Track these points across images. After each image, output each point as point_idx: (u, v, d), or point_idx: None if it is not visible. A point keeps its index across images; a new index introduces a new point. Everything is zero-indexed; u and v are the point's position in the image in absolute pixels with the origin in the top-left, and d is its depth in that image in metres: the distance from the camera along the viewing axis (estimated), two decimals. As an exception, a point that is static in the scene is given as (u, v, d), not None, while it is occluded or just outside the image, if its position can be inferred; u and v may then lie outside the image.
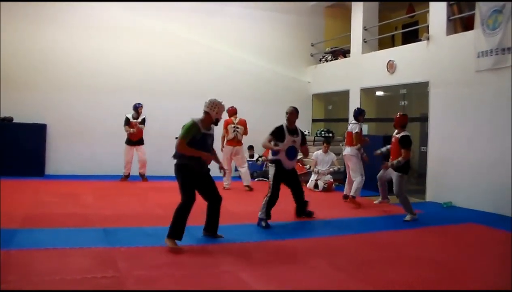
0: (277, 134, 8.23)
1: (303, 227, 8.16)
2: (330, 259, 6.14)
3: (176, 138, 6.62)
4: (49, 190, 10.86)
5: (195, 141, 6.51)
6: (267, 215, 8.01)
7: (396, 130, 9.33)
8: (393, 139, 9.37)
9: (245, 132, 12.10)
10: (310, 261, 6.07)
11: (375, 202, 10.57)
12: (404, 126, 9.21)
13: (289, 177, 8.57)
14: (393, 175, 8.96)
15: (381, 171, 9.69)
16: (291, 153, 8.30)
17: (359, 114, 10.70)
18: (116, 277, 5.06)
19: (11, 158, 12.53)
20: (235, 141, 11.96)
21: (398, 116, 9.36)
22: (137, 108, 12.70)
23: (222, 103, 6.80)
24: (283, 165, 8.30)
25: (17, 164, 12.57)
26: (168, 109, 14.15)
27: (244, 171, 12.24)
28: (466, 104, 10.42)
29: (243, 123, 12.08)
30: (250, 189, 12.06)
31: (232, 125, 11.95)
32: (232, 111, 12.13)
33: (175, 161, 6.69)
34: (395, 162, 8.80)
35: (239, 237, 7.06)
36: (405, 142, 8.85)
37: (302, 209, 8.87)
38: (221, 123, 7.70)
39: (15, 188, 10.81)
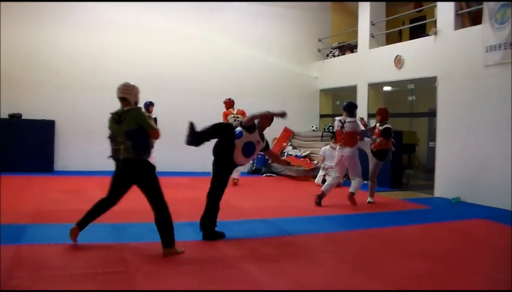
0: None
1: (311, 223, 8.16)
2: (337, 254, 6.15)
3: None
4: (58, 186, 10.92)
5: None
6: None
7: (378, 123, 10.07)
8: (376, 130, 10.07)
9: None
10: (317, 256, 6.09)
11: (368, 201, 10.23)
12: (386, 119, 10.05)
13: None
14: (372, 161, 10.06)
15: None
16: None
17: (355, 108, 9.82)
18: (125, 272, 5.09)
19: (20, 154, 12.65)
20: None
21: (382, 109, 10.15)
22: (148, 106, 12.02)
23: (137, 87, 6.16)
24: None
25: (26, 160, 12.68)
26: (175, 106, 14.20)
27: None
28: (474, 99, 10.38)
29: (242, 113, 12.02)
30: (235, 183, 11.73)
31: (232, 116, 11.98)
32: (229, 104, 12.22)
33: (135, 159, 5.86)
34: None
35: (247, 232, 7.09)
36: (386, 133, 9.80)
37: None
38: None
39: (25, 184, 10.89)
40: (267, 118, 7.15)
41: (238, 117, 11.86)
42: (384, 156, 10.03)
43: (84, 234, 6.62)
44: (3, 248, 5.64)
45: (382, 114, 10.01)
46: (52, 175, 12.62)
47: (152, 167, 6.01)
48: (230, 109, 12.13)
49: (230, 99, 12.23)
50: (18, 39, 13.13)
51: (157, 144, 12.75)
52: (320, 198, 9.49)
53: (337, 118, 9.76)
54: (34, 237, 6.37)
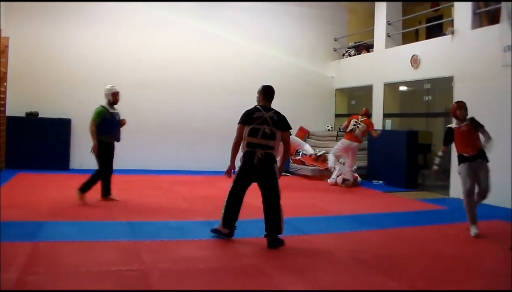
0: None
1: (327, 222, 8.14)
2: (353, 254, 6.13)
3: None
4: (75, 184, 10.92)
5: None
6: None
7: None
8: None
9: None
10: (333, 256, 6.07)
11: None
12: None
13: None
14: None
15: None
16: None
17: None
18: (141, 270, 5.11)
19: (36, 152, 12.77)
20: None
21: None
22: None
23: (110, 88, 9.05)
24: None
25: (43, 158, 12.78)
26: (192, 105, 14.25)
27: None
28: (491, 99, 10.27)
29: (367, 122, 12.39)
30: None
31: (355, 121, 12.28)
32: (365, 112, 12.62)
33: None
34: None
35: (262, 231, 7.07)
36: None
37: None
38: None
39: (41, 182, 10.99)
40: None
41: (359, 124, 12.10)
42: None
43: (100, 232, 6.68)
44: (20, 245, 5.70)
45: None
46: (69, 173, 12.68)
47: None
48: (359, 116, 12.39)
49: (366, 109, 12.63)
50: (36, 38, 13.22)
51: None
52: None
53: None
54: (51, 234, 6.39)
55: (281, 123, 6.46)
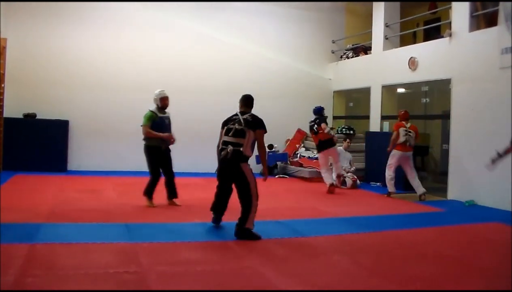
0: None
1: (324, 224, 8.14)
2: (352, 256, 6.12)
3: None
4: (72, 185, 10.98)
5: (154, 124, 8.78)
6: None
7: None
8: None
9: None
10: (331, 258, 6.07)
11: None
12: None
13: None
14: None
15: None
16: None
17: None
18: (138, 272, 5.10)
19: (34, 153, 12.78)
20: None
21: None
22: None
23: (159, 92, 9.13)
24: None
25: (40, 160, 12.80)
26: (191, 106, 14.24)
27: None
28: (489, 101, 10.29)
29: (414, 128, 11.27)
30: None
31: (404, 129, 11.08)
32: (404, 116, 11.36)
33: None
34: None
35: (260, 233, 7.08)
36: None
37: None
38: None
39: (39, 183, 10.98)
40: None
41: (410, 132, 11.04)
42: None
43: (98, 234, 6.67)
44: (18, 247, 5.69)
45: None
46: (66, 174, 12.69)
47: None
48: (403, 122, 11.19)
49: (406, 111, 11.42)
50: (34, 40, 13.22)
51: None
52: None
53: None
54: (48, 236, 6.39)
55: (254, 123, 6.96)
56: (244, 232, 6.75)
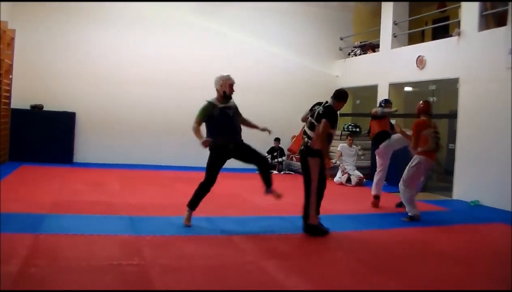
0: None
1: (328, 221, 8.11)
2: (355, 254, 6.12)
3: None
4: (77, 177, 11.01)
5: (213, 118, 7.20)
6: None
7: None
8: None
9: None
10: (335, 255, 6.08)
11: None
12: None
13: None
14: None
15: None
16: None
17: None
18: (141, 265, 5.11)
19: (40, 145, 12.82)
20: None
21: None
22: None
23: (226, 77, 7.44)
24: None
25: (47, 151, 12.85)
26: (195, 101, 14.16)
27: None
28: (496, 101, 10.23)
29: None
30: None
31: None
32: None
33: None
34: None
35: (264, 229, 7.09)
36: None
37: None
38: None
39: (44, 175, 11.02)
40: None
41: (438, 133, 8.96)
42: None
43: (101, 226, 6.69)
44: (21, 237, 5.72)
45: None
46: (72, 166, 12.73)
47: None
48: (426, 118, 8.56)
49: (426, 102, 8.97)
50: (42, 31, 13.24)
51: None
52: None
53: None
54: (52, 227, 6.42)
55: (320, 115, 6.87)
56: (309, 229, 6.84)
